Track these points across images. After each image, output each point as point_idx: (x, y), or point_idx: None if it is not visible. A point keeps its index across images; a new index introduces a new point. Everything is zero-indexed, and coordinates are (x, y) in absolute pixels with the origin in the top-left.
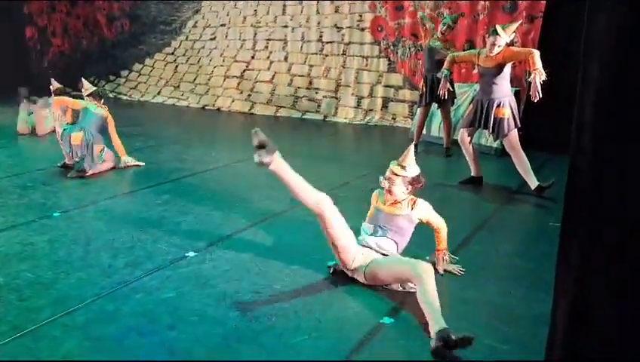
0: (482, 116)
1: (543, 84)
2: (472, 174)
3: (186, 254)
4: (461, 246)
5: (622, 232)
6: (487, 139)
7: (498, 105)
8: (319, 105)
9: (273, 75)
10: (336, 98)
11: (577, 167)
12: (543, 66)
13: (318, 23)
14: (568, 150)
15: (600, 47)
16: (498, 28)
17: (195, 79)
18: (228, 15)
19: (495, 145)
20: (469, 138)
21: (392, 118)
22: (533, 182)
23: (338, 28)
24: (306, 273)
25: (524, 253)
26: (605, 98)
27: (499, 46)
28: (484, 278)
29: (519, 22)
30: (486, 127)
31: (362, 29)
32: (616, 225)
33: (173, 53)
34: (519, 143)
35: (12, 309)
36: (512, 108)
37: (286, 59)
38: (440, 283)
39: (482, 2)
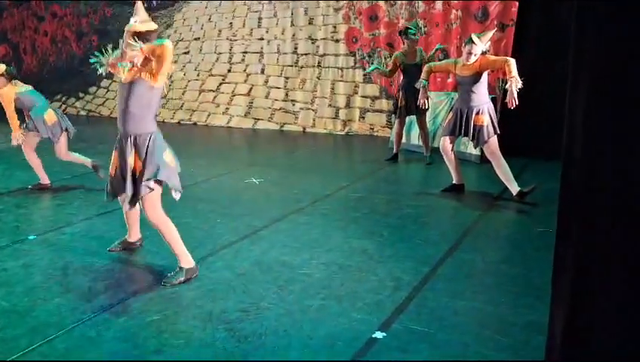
0: (462, 124)
1: (519, 91)
2: (454, 182)
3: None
4: (448, 254)
5: (619, 238)
6: (466, 146)
7: (477, 113)
8: (296, 117)
9: (250, 88)
10: (313, 110)
11: (570, 175)
12: (518, 74)
13: (293, 35)
14: (546, 154)
15: (589, 55)
16: (474, 37)
17: (167, 94)
18: (202, 29)
19: (474, 152)
20: (451, 146)
21: (371, 128)
22: (514, 188)
23: (312, 40)
24: (294, 289)
25: (510, 259)
26: (596, 104)
27: (475, 55)
28: (473, 287)
29: (494, 30)
30: (466, 134)
31: (337, 41)
32: (612, 231)
33: None
34: (499, 150)
35: None
36: (490, 116)
37: (263, 71)
38: (431, 294)
39: (454, 11)
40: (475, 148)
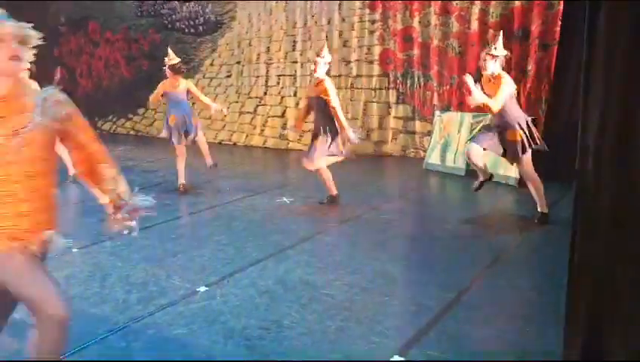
0: (495, 141)
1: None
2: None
3: (198, 289)
4: (474, 280)
5: (634, 267)
6: (504, 168)
7: (509, 129)
8: None
9: (284, 110)
10: None
11: (583, 191)
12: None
13: None
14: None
15: (602, 67)
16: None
17: (210, 115)
18: (243, 53)
19: (512, 175)
20: (481, 157)
21: (403, 150)
22: (543, 207)
23: (346, 62)
24: (315, 308)
25: (539, 287)
26: (609, 119)
27: (495, 62)
28: (498, 314)
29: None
30: (499, 151)
31: (371, 62)
32: (629, 259)
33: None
34: (532, 166)
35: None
36: (525, 131)
37: (295, 94)
38: (452, 320)
39: (492, 31)
40: (512, 164)
